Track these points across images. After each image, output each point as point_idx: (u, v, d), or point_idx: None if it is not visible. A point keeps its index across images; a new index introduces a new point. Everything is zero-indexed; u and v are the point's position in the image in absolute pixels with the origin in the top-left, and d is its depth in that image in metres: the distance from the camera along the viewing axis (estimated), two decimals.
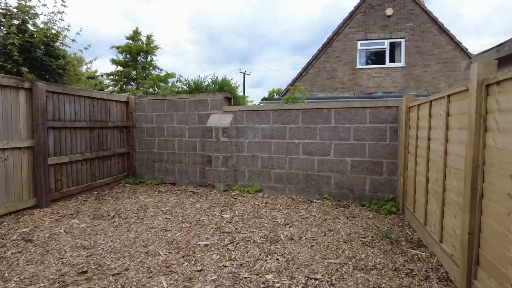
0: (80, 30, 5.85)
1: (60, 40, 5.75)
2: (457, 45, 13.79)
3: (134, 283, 2.71)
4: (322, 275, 2.82)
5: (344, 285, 2.65)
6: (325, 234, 3.85)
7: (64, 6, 5.60)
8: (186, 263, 3.08)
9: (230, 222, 4.28)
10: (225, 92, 6.51)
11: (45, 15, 5.72)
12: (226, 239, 3.68)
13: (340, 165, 5.58)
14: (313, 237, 3.76)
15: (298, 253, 3.28)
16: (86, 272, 2.93)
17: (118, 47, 25.79)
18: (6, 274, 2.88)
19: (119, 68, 27.12)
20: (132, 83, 27.42)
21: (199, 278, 2.79)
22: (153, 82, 21.31)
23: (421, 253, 3.29)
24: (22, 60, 5.08)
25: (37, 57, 5.20)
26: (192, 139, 6.86)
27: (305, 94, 6.74)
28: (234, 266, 3.01)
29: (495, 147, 2.11)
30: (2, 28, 5.15)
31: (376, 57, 15.67)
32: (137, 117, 7.47)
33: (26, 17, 5.34)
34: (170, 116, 7.07)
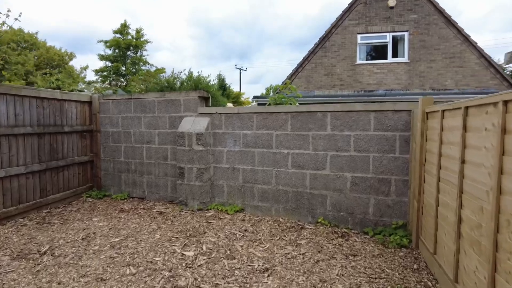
0: (20, 15, 4.77)
1: None
2: (466, 38, 12.70)
3: None
4: None
5: None
6: None
7: None
8: None
9: (190, 267, 3.22)
10: (201, 91, 5.42)
11: None
12: None
13: (338, 181, 4.53)
14: None
15: None
16: None
17: (106, 42, 24.65)
18: None
19: (108, 63, 26.00)
20: (122, 79, 26.25)
21: None
22: (144, 77, 20.15)
23: None
24: None
25: None
26: (163, 146, 5.79)
27: (297, 94, 5.67)
28: None
29: None
30: None
31: (378, 52, 14.56)
32: (101, 120, 6.39)
33: None
34: (137, 119, 5.99)
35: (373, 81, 14.12)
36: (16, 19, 4.83)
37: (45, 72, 26.28)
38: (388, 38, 13.91)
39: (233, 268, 3.18)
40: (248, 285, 2.86)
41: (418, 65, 13.47)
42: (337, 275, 3.07)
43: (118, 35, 25.54)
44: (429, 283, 2.94)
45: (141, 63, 27.83)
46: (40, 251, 3.62)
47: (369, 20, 13.99)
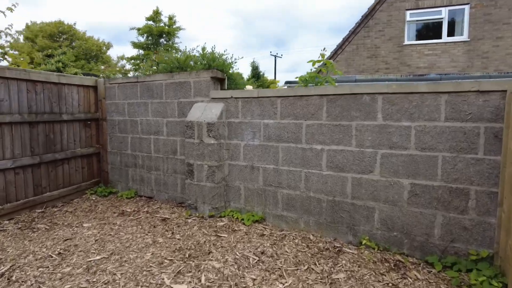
0: None
1: None
2: None
3: None
4: None
5: None
6: None
7: None
8: None
9: None
10: (213, 70, 4.37)
11: None
12: None
13: (391, 190, 3.32)
14: None
15: None
16: None
17: (138, 29, 24.51)
18: None
19: (141, 51, 25.92)
20: (155, 67, 26.09)
21: None
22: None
23: None
24: None
25: None
26: (172, 138, 4.88)
27: (336, 72, 4.44)
28: None
29: None
30: None
31: (430, 30, 12.62)
32: (107, 107, 5.61)
33: None
34: (144, 106, 5.12)
35: (423, 64, 12.29)
36: None
37: (83, 64, 26.75)
38: (443, 13, 11.95)
39: None
40: None
41: (480, 44, 11.43)
42: None
43: (150, 22, 25.33)
44: None
45: (174, 51, 27.48)
46: None
47: None
